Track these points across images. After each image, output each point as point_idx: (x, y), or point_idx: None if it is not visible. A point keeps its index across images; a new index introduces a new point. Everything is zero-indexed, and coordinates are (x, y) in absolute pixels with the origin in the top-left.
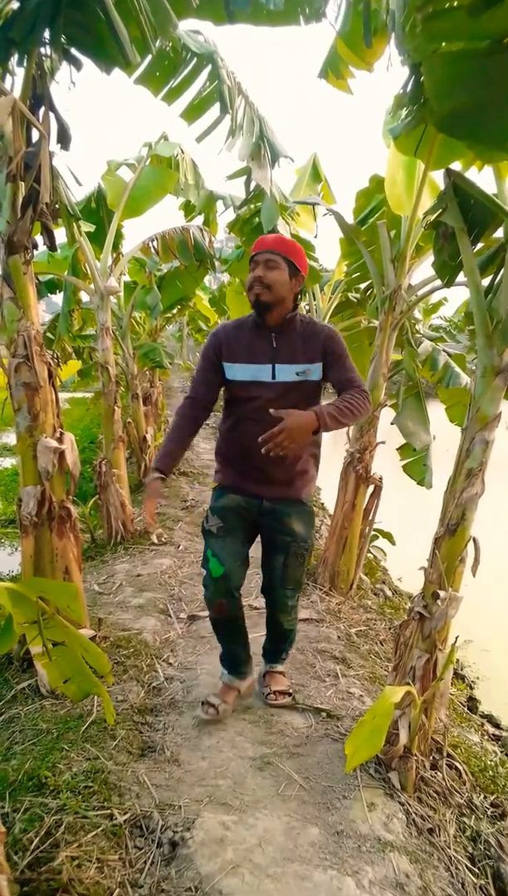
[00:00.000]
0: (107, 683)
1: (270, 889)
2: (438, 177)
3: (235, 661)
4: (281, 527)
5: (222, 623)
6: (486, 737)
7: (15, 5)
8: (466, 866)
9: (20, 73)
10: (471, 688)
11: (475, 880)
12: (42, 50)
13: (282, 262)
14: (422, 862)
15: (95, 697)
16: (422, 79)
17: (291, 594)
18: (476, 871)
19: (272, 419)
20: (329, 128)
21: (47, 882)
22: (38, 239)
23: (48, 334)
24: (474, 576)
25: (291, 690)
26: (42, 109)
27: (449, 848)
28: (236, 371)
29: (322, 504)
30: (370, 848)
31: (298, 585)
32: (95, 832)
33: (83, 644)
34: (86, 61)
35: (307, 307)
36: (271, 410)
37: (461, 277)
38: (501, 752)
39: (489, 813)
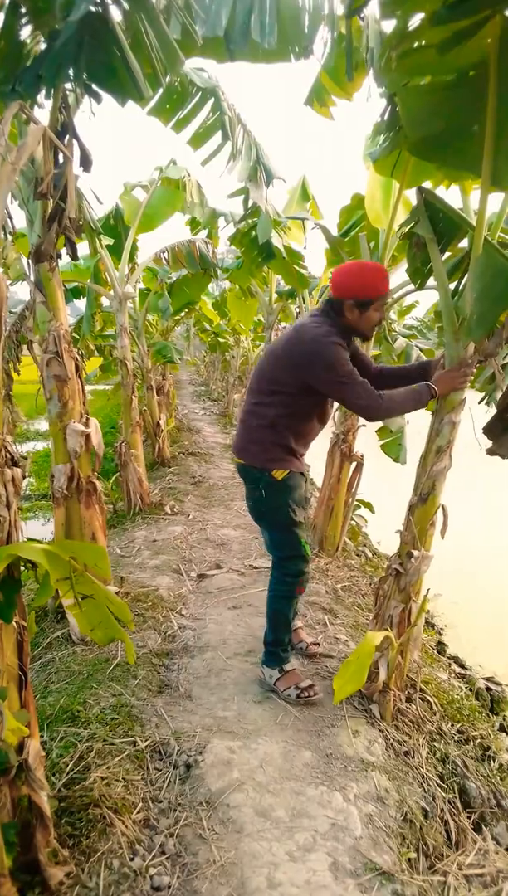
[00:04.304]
0: (129, 630)
1: (270, 802)
2: (411, 195)
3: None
4: (308, 489)
5: (297, 600)
6: (453, 675)
7: (42, 46)
8: (436, 783)
9: (47, 104)
10: (440, 634)
11: (444, 794)
12: (66, 85)
13: None
14: (399, 779)
15: (119, 644)
16: (397, 108)
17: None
18: (445, 786)
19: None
20: (317, 152)
21: (81, 798)
22: (62, 251)
23: (74, 334)
24: (443, 538)
25: (318, 641)
26: (67, 137)
27: (422, 768)
28: None
29: (312, 479)
30: (354, 768)
31: None
32: (120, 756)
33: (108, 597)
34: (105, 95)
35: (298, 309)
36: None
37: (431, 281)
38: (465, 687)
39: (455, 738)
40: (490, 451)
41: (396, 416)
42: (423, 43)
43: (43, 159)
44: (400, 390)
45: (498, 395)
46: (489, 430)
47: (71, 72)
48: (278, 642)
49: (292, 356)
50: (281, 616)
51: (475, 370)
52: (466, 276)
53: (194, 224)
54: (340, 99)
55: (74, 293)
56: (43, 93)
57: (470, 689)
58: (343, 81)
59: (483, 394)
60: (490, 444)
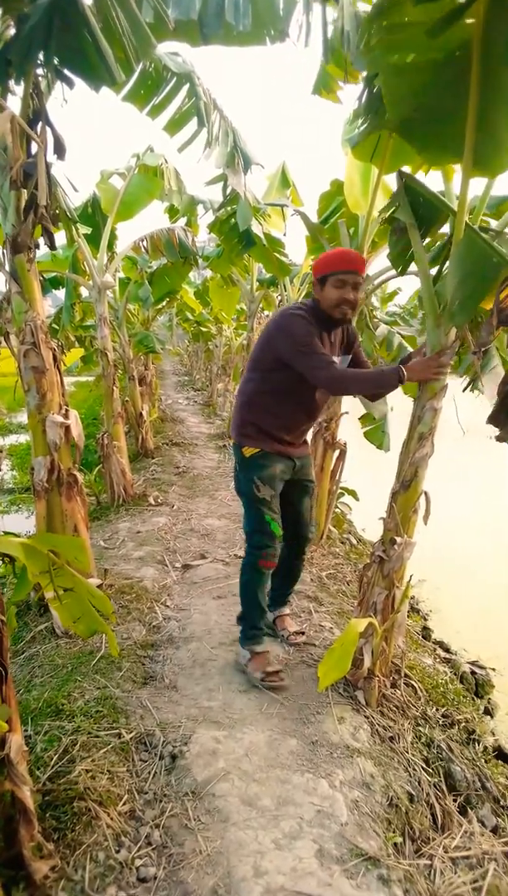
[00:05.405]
0: (111, 622)
1: (256, 791)
2: (390, 180)
3: (263, 619)
4: (307, 476)
5: (266, 575)
6: (438, 660)
7: (12, 31)
8: (422, 767)
9: (19, 91)
10: (425, 619)
11: (429, 778)
12: (38, 70)
13: (362, 282)
14: (385, 765)
15: (103, 636)
16: (375, 91)
17: (312, 530)
18: (430, 770)
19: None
20: (297, 138)
21: (66, 791)
22: (39, 240)
23: (53, 325)
24: (426, 524)
25: (303, 629)
26: (39, 124)
27: (407, 752)
28: None
29: None
30: (340, 754)
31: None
32: (105, 749)
33: (89, 589)
34: (77, 80)
35: (279, 297)
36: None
37: (413, 267)
38: (450, 672)
39: (440, 723)
40: (501, 439)
41: (357, 392)
42: (406, 20)
43: (12, 147)
44: (367, 370)
45: (483, 382)
46: (493, 419)
47: (41, 56)
48: (247, 618)
49: (266, 331)
50: (249, 588)
51: (451, 362)
52: (447, 263)
53: (172, 212)
54: (345, 83)
55: (52, 283)
56: (13, 79)
57: (455, 674)
58: (345, 67)
59: (464, 378)
60: (476, 432)
